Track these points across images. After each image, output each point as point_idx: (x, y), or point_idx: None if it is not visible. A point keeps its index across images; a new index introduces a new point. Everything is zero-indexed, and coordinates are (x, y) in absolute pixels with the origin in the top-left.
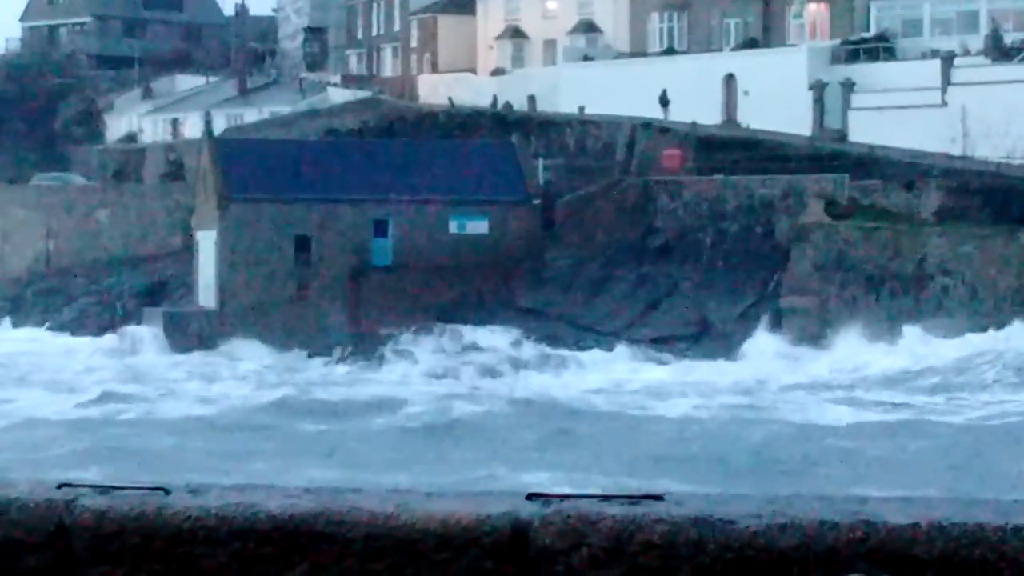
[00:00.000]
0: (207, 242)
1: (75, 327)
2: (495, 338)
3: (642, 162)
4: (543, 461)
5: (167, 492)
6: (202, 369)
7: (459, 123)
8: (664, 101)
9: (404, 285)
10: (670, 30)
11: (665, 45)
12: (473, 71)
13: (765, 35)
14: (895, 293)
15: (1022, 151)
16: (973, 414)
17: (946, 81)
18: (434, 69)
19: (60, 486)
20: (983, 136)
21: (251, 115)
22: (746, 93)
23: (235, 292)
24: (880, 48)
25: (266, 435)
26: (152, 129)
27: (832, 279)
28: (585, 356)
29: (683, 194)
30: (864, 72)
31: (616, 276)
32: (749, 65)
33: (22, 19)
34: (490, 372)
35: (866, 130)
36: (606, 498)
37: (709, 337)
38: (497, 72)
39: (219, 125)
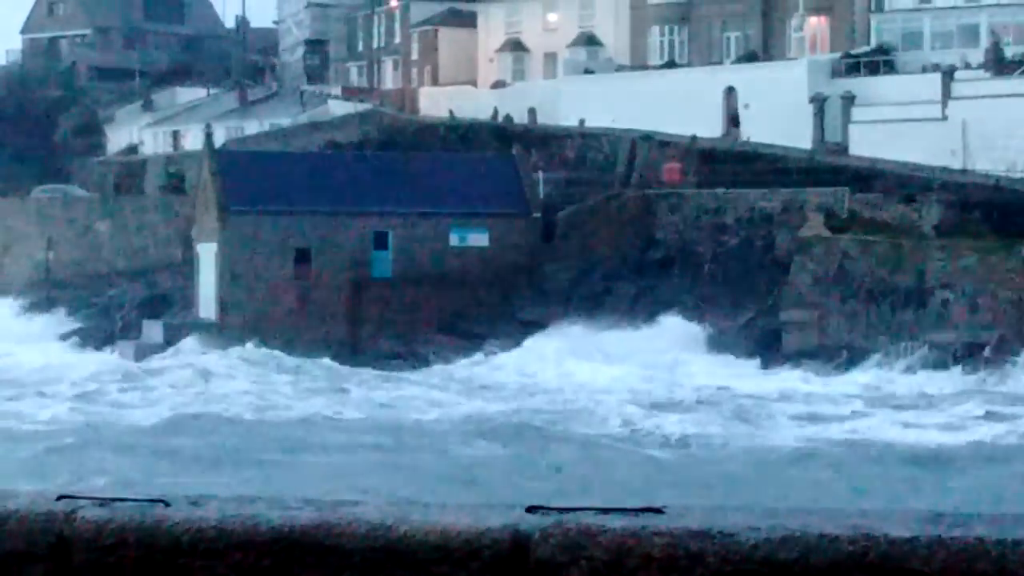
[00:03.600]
0: (207, 254)
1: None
2: None
3: (642, 175)
4: None
5: (167, 504)
6: None
7: (459, 136)
8: (735, 120)
9: (404, 298)
10: (671, 43)
11: (666, 58)
12: (474, 84)
13: (765, 48)
14: (895, 307)
15: (1022, 165)
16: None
17: (946, 95)
18: (435, 81)
19: (60, 497)
20: (983, 150)
21: (252, 127)
22: (746, 106)
23: (235, 304)
24: (880, 62)
25: None
26: (153, 141)
27: (832, 292)
28: None
29: (683, 207)
30: (864, 85)
31: (616, 289)
32: (749, 78)
33: (23, 31)
34: None
35: (866, 143)
36: (606, 511)
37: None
38: (498, 85)
39: (220, 137)
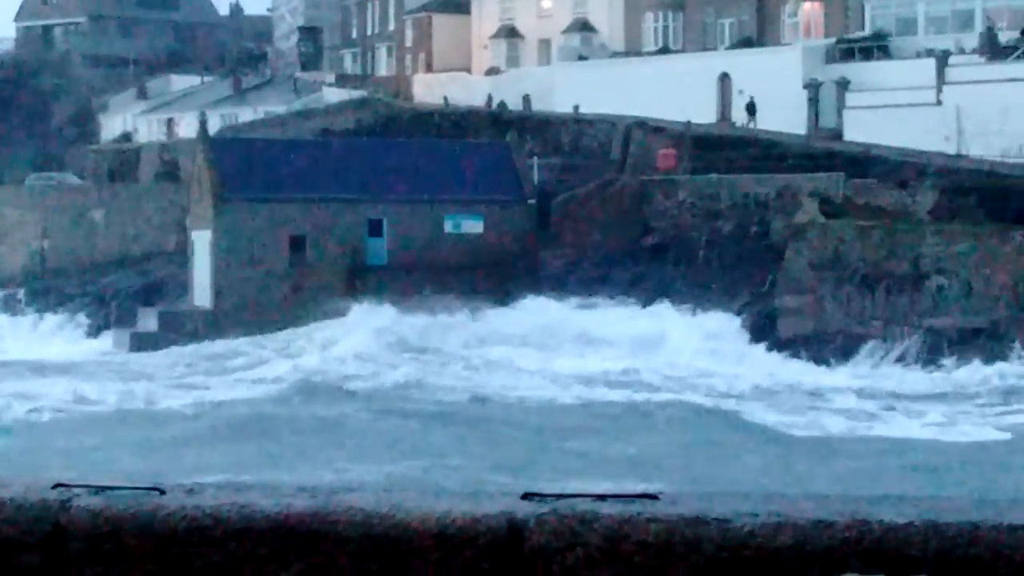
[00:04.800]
0: (202, 242)
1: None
2: None
3: (637, 161)
4: None
5: (162, 492)
6: None
7: (454, 123)
8: (752, 109)
9: (399, 285)
10: (665, 29)
11: (660, 44)
12: (468, 70)
13: (760, 34)
14: (890, 292)
15: (1017, 150)
16: None
17: (941, 80)
18: (429, 68)
19: (55, 486)
20: (978, 135)
21: (246, 115)
22: (741, 92)
23: (230, 292)
24: (875, 47)
25: None
26: (147, 129)
27: (827, 278)
28: None
29: (678, 193)
30: (859, 71)
31: (611, 275)
32: (744, 64)
33: (16, 19)
34: None
35: (861, 129)
36: (601, 497)
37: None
38: (492, 71)
39: (214, 125)
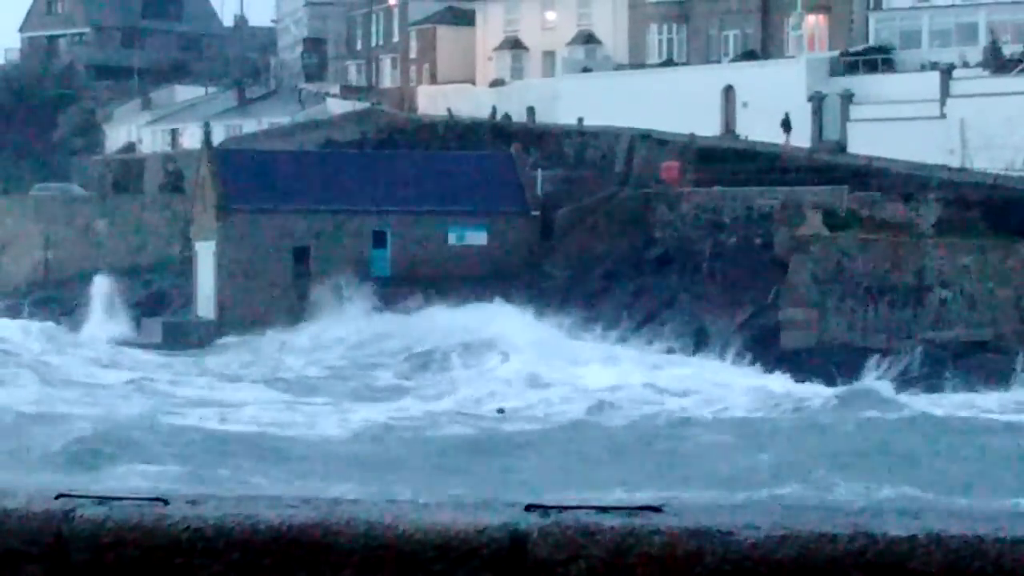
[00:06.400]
0: (206, 253)
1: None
2: None
3: (641, 173)
4: None
5: (166, 502)
6: None
7: (458, 134)
8: (787, 125)
9: (403, 296)
10: (669, 41)
11: (664, 56)
12: (472, 82)
13: (764, 47)
14: (894, 305)
15: (1021, 163)
16: None
17: (945, 93)
18: (433, 80)
19: (59, 496)
20: (982, 148)
21: (250, 126)
22: (745, 105)
23: (233, 303)
24: (879, 60)
25: None
26: (151, 139)
27: (831, 291)
28: None
29: (681, 205)
30: (863, 84)
31: (614, 287)
32: (748, 77)
33: (21, 29)
34: None
35: (865, 142)
36: (604, 509)
37: (707, 349)
38: (496, 83)
39: (218, 136)
